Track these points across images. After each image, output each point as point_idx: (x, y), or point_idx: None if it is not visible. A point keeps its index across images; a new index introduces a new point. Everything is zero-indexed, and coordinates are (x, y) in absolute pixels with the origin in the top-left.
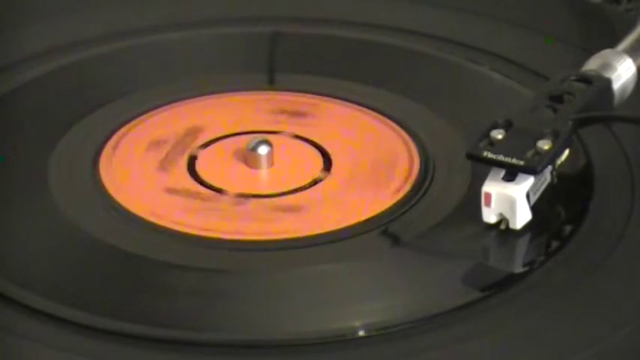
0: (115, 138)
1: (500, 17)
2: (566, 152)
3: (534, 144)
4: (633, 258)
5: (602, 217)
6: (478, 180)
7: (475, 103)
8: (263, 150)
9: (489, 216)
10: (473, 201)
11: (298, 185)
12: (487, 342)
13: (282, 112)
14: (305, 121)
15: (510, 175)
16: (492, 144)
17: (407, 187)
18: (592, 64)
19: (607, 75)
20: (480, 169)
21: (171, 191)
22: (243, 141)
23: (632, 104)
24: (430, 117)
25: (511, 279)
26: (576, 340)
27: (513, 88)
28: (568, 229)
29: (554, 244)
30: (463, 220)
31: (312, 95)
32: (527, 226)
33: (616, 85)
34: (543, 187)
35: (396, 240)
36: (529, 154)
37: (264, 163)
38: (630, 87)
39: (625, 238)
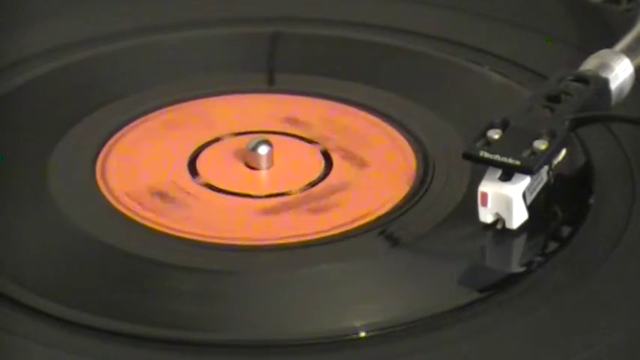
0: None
1: (500, 17)
2: (563, 152)
3: (531, 144)
4: (633, 258)
5: (601, 217)
6: (478, 180)
7: (475, 103)
8: (263, 150)
9: (486, 216)
10: (473, 201)
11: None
12: (487, 342)
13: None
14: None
15: (507, 175)
16: (489, 144)
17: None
18: (589, 64)
19: (604, 75)
20: (480, 169)
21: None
22: (243, 141)
23: (629, 104)
24: (430, 117)
25: (511, 279)
26: (576, 340)
27: (513, 88)
28: (568, 228)
29: (554, 244)
30: (463, 220)
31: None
32: (527, 226)
33: (613, 85)
34: (540, 187)
35: (395, 240)
36: (525, 153)
37: (264, 163)
38: (628, 87)
39: (625, 238)
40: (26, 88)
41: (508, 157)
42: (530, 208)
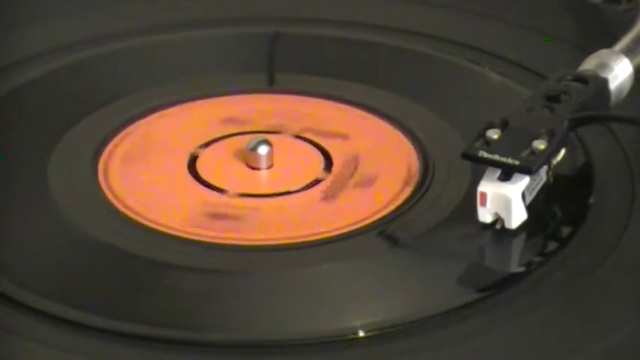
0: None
1: (500, 17)
2: (563, 152)
3: (530, 144)
4: (633, 258)
5: (601, 217)
6: (478, 180)
7: (475, 103)
8: (263, 150)
9: (485, 216)
10: (472, 201)
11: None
12: (487, 342)
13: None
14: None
15: (506, 175)
16: (488, 144)
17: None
18: (589, 64)
19: (604, 75)
20: (480, 169)
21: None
22: (243, 141)
23: (629, 104)
24: (430, 117)
25: (510, 279)
26: (576, 340)
27: (513, 88)
28: (568, 228)
29: (554, 244)
30: (463, 220)
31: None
32: (527, 226)
33: (612, 85)
34: (539, 186)
35: (395, 240)
36: (524, 153)
37: (264, 163)
38: (627, 87)
39: (625, 238)
40: (26, 88)
41: (507, 157)
42: (530, 208)
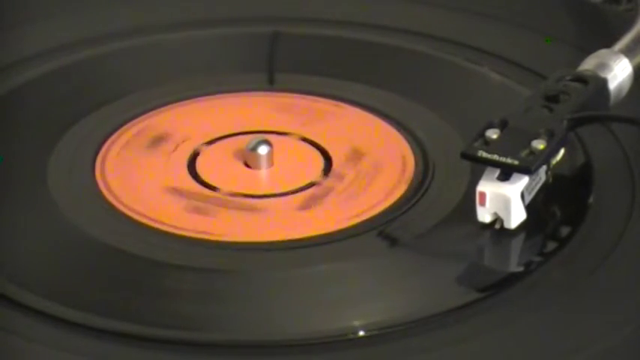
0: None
1: (500, 17)
2: (562, 152)
3: (529, 143)
4: (633, 258)
5: (601, 217)
6: (477, 180)
7: (475, 103)
8: (263, 150)
9: (484, 215)
10: (472, 201)
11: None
12: (486, 342)
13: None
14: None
15: (505, 175)
16: (487, 143)
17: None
18: (588, 64)
19: (603, 75)
20: (480, 169)
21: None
22: (243, 141)
23: (628, 104)
24: (430, 117)
25: (510, 279)
26: (576, 340)
27: (513, 88)
28: (567, 228)
29: (553, 243)
30: (463, 220)
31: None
32: (526, 226)
33: (612, 85)
34: (538, 186)
35: (395, 240)
36: (524, 153)
37: (264, 163)
38: (626, 87)
39: (625, 238)
40: (26, 88)
41: (506, 156)
42: (529, 207)
